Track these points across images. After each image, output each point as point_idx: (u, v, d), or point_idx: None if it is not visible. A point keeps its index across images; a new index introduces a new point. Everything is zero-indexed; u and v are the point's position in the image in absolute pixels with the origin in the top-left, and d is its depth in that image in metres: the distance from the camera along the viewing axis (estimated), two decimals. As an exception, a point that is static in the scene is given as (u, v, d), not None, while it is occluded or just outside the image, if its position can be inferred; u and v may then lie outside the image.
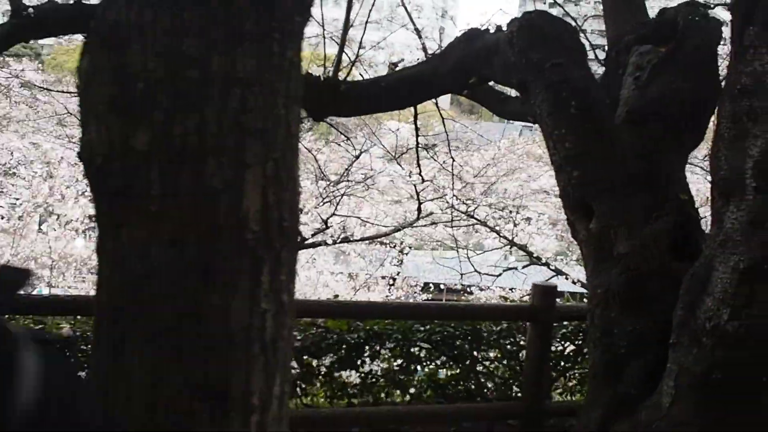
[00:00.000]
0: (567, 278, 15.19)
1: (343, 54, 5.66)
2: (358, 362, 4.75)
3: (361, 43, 6.06)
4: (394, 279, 14.91)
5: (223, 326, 1.66)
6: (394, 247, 13.87)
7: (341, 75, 5.54)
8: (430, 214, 12.45)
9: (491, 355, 5.08)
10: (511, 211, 16.05)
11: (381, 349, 4.75)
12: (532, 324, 4.57)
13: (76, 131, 12.50)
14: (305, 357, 4.59)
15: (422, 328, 4.78)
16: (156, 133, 1.60)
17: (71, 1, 4.95)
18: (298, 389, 4.66)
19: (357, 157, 12.67)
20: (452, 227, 11.66)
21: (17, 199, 14.77)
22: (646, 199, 4.07)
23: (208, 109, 1.60)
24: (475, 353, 4.99)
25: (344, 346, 4.59)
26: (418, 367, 5.06)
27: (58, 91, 13.56)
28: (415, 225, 12.75)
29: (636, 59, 4.47)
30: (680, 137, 4.22)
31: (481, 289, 16.59)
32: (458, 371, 5.01)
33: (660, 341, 3.74)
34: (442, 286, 17.42)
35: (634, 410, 3.85)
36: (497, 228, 15.25)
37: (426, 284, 17.32)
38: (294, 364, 4.58)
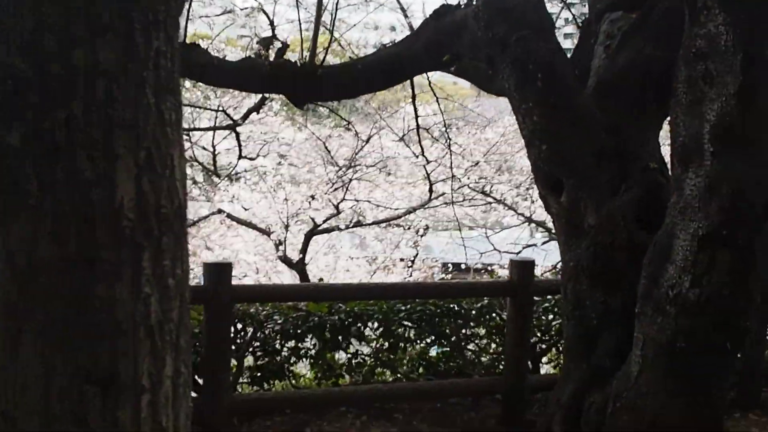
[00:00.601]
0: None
1: (329, 39, 5.65)
2: (345, 343, 4.79)
3: (333, 25, 6.05)
4: (413, 261, 14.91)
5: (110, 315, 1.70)
6: (409, 228, 13.86)
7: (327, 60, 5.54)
8: (442, 195, 12.40)
9: (479, 332, 5.08)
10: (528, 188, 15.95)
11: (365, 329, 4.77)
12: (511, 299, 4.56)
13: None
14: (290, 340, 4.65)
15: (403, 308, 4.80)
16: (28, 130, 1.63)
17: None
18: (285, 371, 4.72)
19: (367, 141, 12.67)
20: (451, 204, 11.57)
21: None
22: (615, 171, 4.03)
23: (75, 102, 1.62)
24: (463, 330, 5.00)
25: (327, 328, 4.63)
26: (408, 347, 5.07)
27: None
28: (428, 206, 12.73)
29: (607, 27, 4.41)
30: (651, 105, 4.16)
31: (503, 267, 16.53)
32: (443, 349, 5.02)
33: (630, 313, 3.71)
34: (462, 266, 17.36)
35: (607, 382, 3.84)
36: (514, 206, 15.21)
37: (445, 264, 17.30)
38: (277, 346, 4.65)
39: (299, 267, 12.31)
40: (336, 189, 12.40)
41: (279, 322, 4.49)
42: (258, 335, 4.56)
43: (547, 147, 4.13)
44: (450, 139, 8.43)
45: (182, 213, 1.79)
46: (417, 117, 8.09)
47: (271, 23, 8.07)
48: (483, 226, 16.06)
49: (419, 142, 8.98)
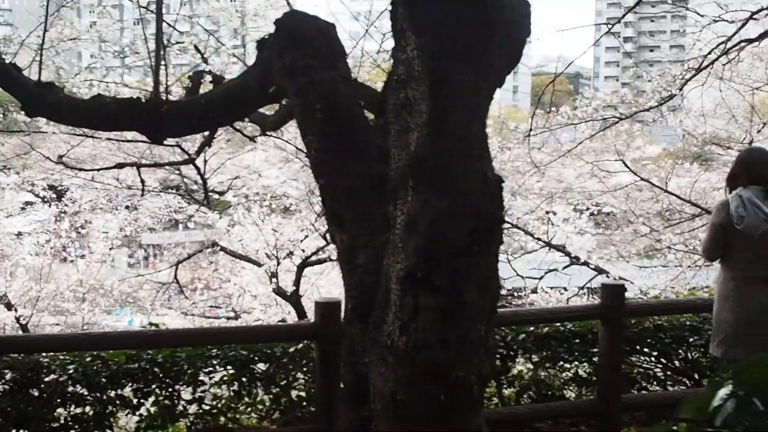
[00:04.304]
0: (608, 276, 14.58)
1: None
2: (163, 393, 4.57)
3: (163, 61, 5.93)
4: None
5: None
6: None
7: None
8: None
9: (299, 377, 4.78)
10: (547, 212, 15.54)
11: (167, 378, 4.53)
12: (317, 345, 4.29)
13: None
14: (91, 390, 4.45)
15: (215, 353, 4.55)
16: None
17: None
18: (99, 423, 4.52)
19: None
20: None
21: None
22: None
23: None
24: (292, 377, 4.71)
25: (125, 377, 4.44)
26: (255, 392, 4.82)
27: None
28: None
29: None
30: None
31: (534, 291, 16.09)
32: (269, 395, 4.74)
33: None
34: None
35: (373, 436, 3.53)
36: (531, 230, 14.83)
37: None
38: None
39: (293, 299, 12.19)
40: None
41: (69, 371, 4.31)
42: (55, 388, 4.38)
43: (324, 181, 3.89)
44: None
45: None
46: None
47: (203, 58, 8.05)
48: (504, 251, 15.67)
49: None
